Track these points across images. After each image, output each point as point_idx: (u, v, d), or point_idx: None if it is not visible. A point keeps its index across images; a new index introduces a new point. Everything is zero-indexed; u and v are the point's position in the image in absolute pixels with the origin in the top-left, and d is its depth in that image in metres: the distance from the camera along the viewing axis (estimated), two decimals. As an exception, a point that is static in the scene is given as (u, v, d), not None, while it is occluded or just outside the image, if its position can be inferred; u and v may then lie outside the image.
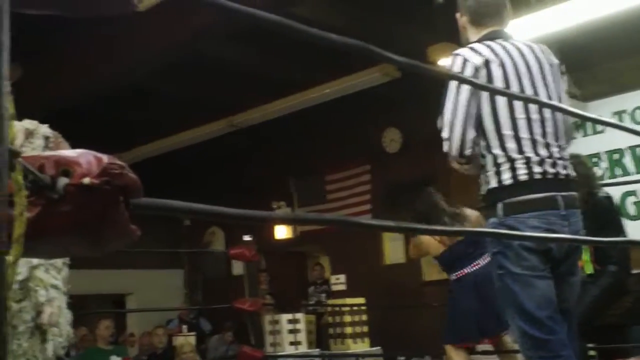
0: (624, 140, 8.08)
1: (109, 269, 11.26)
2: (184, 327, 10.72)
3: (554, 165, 2.93)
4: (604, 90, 8.30)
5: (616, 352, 6.32)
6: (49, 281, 3.17)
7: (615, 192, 7.78)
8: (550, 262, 2.87)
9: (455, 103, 2.92)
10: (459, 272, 5.58)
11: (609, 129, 8.17)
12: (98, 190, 1.03)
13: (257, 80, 9.00)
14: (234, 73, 8.83)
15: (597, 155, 8.43)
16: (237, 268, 11.17)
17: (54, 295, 3.18)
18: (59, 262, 3.22)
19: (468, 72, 2.93)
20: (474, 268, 5.51)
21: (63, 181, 1.02)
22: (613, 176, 8.37)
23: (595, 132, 8.43)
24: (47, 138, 3.30)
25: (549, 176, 2.90)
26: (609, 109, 8.12)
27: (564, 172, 2.96)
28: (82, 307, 11.75)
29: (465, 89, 2.92)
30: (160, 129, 10.61)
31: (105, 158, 1.06)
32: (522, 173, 2.88)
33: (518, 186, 2.88)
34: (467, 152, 2.94)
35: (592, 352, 6.12)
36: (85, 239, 1.10)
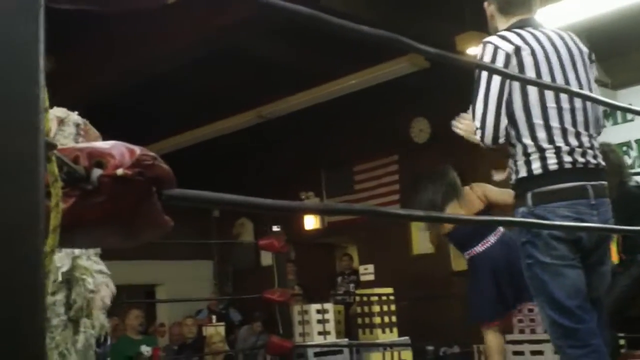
0: (654, 129, 8.02)
1: (140, 259, 11.35)
2: (214, 317, 10.77)
3: (584, 154, 2.91)
4: (633, 78, 8.22)
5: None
6: (92, 268, 3.21)
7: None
8: (580, 251, 2.86)
9: (487, 92, 2.91)
10: (470, 250, 5.57)
11: (639, 118, 8.09)
12: (131, 181, 1.04)
13: (286, 71, 9.01)
14: (262, 64, 8.85)
15: (627, 143, 8.35)
16: (266, 259, 11.20)
17: (102, 280, 3.22)
18: (91, 250, 3.27)
19: (499, 60, 2.92)
20: (485, 246, 5.48)
21: (97, 172, 1.04)
22: (644, 164, 8.30)
23: (625, 121, 8.35)
24: (77, 125, 3.36)
25: (579, 165, 2.89)
26: (639, 97, 8.03)
27: (594, 161, 2.94)
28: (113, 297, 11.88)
29: (497, 77, 2.91)
30: (188, 121, 10.67)
31: (137, 149, 1.08)
32: (552, 163, 2.87)
33: (548, 176, 2.87)
34: (501, 140, 2.93)
35: (621, 342, 6.09)
36: (119, 229, 1.12)
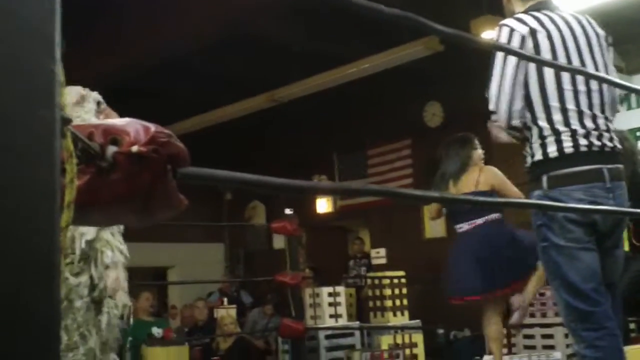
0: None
1: (151, 242, 11.39)
2: (225, 299, 10.82)
3: (600, 137, 2.90)
4: (649, 63, 8.17)
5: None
6: (114, 243, 3.22)
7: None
8: (596, 234, 2.85)
9: (502, 74, 2.90)
10: (458, 226, 5.47)
11: (654, 103, 8.05)
12: (146, 158, 1.04)
13: (299, 55, 8.99)
14: (276, 48, 8.84)
15: (641, 128, 8.32)
16: (278, 242, 11.22)
17: (120, 259, 3.23)
18: (115, 228, 3.28)
19: (515, 42, 2.90)
20: (471, 227, 5.36)
21: (112, 149, 1.04)
22: (659, 149, 8.25)
23: (639, 106, 8.32)
24: (98, 103, 3.39)
25: (595, 148, 2.87)
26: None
27: (610, 144, 2.92)
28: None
29: (512, 59, 2.90)
30: (201, 105, 10.68)
31: (152, 127, 1.07)
32: (568, 146, 2.85)
33: (563, 159, 2.86)
34: (515, 122, 2.92)
35: (631, 326, 6.10)
36: (134, 208, 1.12)
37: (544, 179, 2.87)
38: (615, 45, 3.28)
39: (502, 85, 2.89)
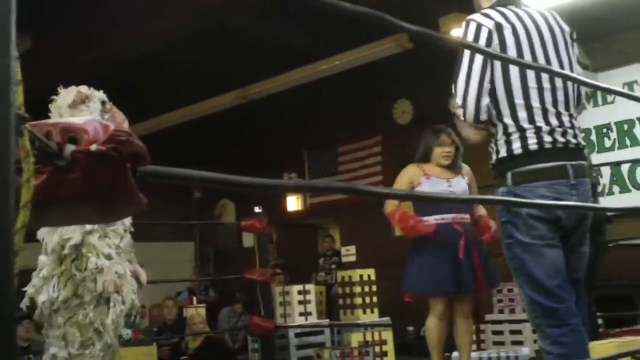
0: (634, 111, 8.06)
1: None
2: (194, 298, 10.78)
3: (564, 134, 2.92)
4: (614, 61, 8.25)
5: (623, 321, 6.36)
6: (101, 249, 3.18)
7: (625, 163, 7.79)
8: (560, 231, 2.87)
9: (469, 70, 2.91)
10: (424, 219, 5.20)
11: (619, 100, 8.14)
12: (105, 157, 1.03)
13: (270, 51, 8.97)
14: (247, 44, 8.80)
15: (607, 125, 8.40)
16: (248, 240, 11.20)
17: (105, 264, 3.20)
18: (120, 228, 3.24)
19: (482, 37, 2.92)
20: (438, 221, 5.18)
21: (70, 148, 1.02)
22: (623, 146, 8.35)
23: (605, 103, 8.39)
24: (103, 103, 3.36)
25: (559, 145, 2.90)
26: (619, 80, 8.06)
27: (574, 140, 2.95)
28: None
29: (479, 55, 2.91)
30: (171, 102, 10.62)
31: (111, 125, 1.06)
32: (532, 143, 2.87)
33: (528, 155, 2.88)
34: (482, 117, 2.93)
35: (599, 321, 6.15)
36: (94, 206, 1.11)
37: (509, 175, 2.89)
38: (581, 43, 3.30)
39: (469, 80, 2.90)
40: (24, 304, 3.25)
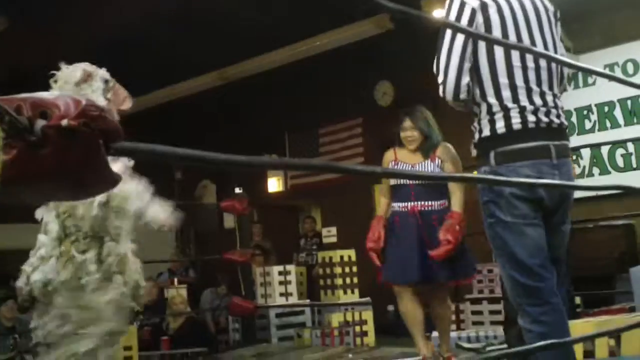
0: (614, 93, 8.09)
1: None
2: (175, 279, 10.77)
3: (547, 113, 2.92)
4: (596, 43, 8.27)
5: (601, 301, 6.41)
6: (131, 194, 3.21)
7: (605, 145, 7.83)
8: (542, 210, 2.88)
9: (450, 47, 2.90)
10: (400, 205, 4.99)
11: (599, 82, 8.16)
12: (77, 132, 1.01)
13: (250, 32, 8.92)
14: (226, 25, 8.74)
15: (588, 107, 8.43)
16: (229, 221, 11.18)
17: (110, 246, 3.20)
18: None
19: (465, 15, 2.91)
20: (401, 209, 4.99)
21: (41, 123, 1.00)
22: (603, 128, 8.39)
23: (587, 85, 8.42)
24: (106, 81, 3.34)
25: (542, 125, 2.90)
26: (601, 62, 8.08)
27: (557, 120, 2.96)
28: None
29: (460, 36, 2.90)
30: (150, 83, 10.54)
31: (83, 100, 1.04)
32: (516, 122, 2.88)
33: (511, 135, 2.88)
34: (462, 96, 2.92)
35: (577, 301, 6.21)
36: (66, 183, 1.09)
37: (492, 155, 2.89)
38: (563, 25, 3.30)
39: (450, 59, 2.89)
40: (22, 282, 3.23)
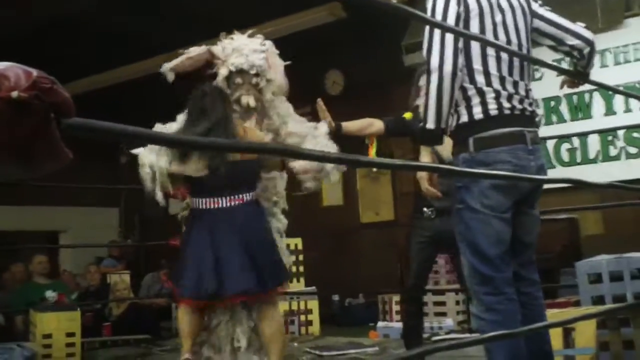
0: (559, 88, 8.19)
1: (42, 205, 11.05)
2: (118, 265, 10.64)
3: (521, 101, 3.00)
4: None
5: (545, 294, 6.51)
6: None
7: (550, 139, 7.94)
8: (516, 196, 2.94)
9: (443, 35, 2.88)
10: (212, 200, 4.49)
11: (546, 76, 8.27)
12: (28, 105, 0.97)
13: (198, 17, 8.82)
14: (174, 8, 8.65)
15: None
16: (175, 207, 11.06)
17: None
18: None
19: (452, 7, 2.91)
20: (235, 202, 4.47)
21: (-11, 94, 0.96)
22: (549, 123, 8.51)
23: (534, 79, 8.51)
24: None
25: (517, 112, 2.97)
26: (550, 56, 8.17)
27: (530, 108, 3.04)
28: (14, 242, 11.55)
29: (451, 14, 2.92)
30: (98, 64, 10.39)
31: (34, 72, 1.00)
32: (493, 108, 2.92)
33: (489, 121, 2.92)
34: (459, 74, 2.89)
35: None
36: (15, 157, 1.05)
37: (470, 141, 2.91)
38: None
39: (444, 40, 2.87)
40: None
